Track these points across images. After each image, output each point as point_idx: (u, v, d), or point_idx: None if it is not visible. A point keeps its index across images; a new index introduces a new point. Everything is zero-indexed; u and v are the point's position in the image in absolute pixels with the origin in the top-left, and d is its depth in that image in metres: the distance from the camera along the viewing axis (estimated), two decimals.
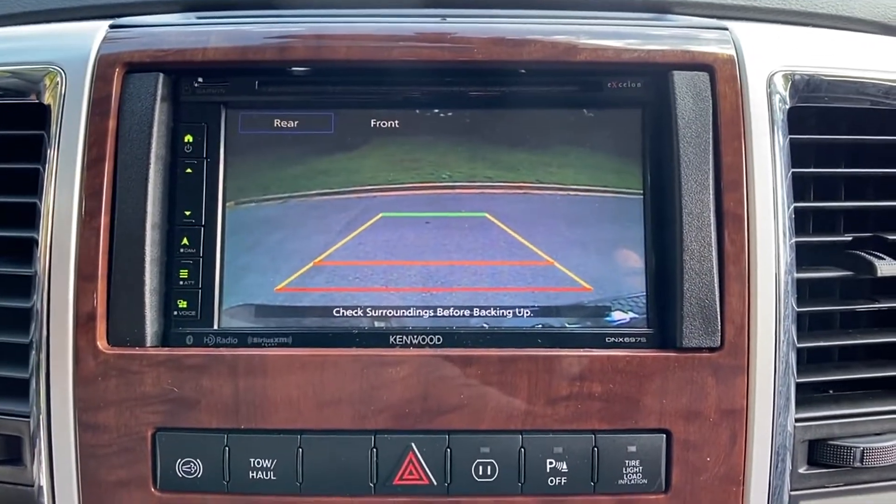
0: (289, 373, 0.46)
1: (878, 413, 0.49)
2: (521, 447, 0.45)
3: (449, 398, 0.45)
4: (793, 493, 0.48)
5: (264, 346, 0.47)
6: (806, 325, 0.51)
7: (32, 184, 0.49)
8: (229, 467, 0.45)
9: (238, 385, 0.45)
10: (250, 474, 0.45)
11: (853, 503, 0.49)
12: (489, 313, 0.48)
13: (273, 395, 0.45)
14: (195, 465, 0.46)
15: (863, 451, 0.48)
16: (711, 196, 0.47)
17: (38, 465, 0.47)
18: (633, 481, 0.46)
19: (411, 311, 0.48)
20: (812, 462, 0.49)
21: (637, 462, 0.46)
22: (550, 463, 0.46)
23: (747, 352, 0.46)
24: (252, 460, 0.45)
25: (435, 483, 0.46)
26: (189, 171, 0.49)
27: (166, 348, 0.47)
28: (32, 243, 0.48)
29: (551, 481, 0.46)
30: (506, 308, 0.48)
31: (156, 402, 0.46)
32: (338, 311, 0.48)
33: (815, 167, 0.51)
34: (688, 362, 0.46)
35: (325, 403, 0.45)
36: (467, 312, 0.48)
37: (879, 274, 0.48)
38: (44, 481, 0.47)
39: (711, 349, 0.46)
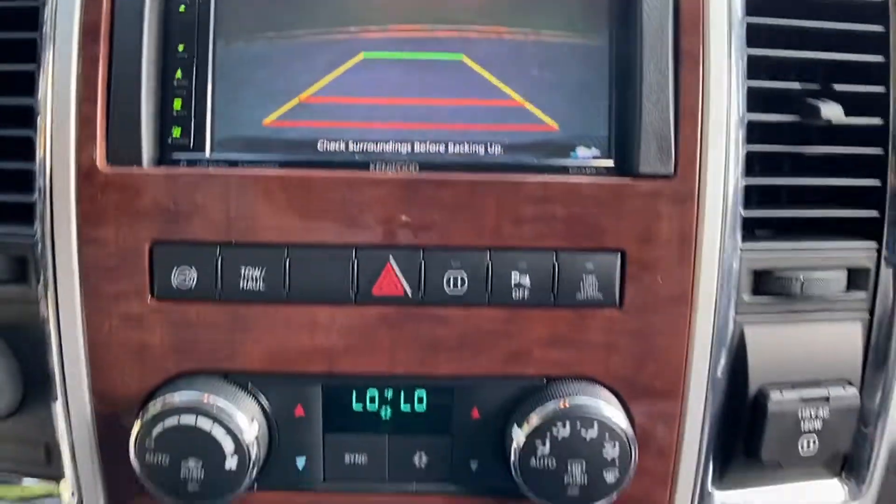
0: (277, 192, 0.49)
1: (818, 249, 0.54)
2: (489, 261, 0.50)
3: (424, 217, 0.49)
4: (738, 317, 0.53)
5: (254, 168, 0.51)
6: (756, 168, 0.55)
7: (33, 19, 0.52)
8: (221, 277, 0.49)
9: (230, 202, 0.49)
10: (241, 283, 0.50)
11: (793, 331, 0.55)
12: (463, 148, 0.52)
13: (262, 212, 0.49)
14: (189, 274, 0.50)
15: (803, 282, 0.53)
16: (670, 37, 0.51)
17: (42, 283, 0.51)
18: (589, 296, 0.50)
19: (391, 144, 0.52)
20: (757, 292, 0.54)
21: (594, 278, 0.50)
22: (514, 276, 0.50)
23: (698, 181, 0.50)
24: (243, 269, 0.49)
25: (410, 294, 0.50)
26: (182, 9, 0.52)
27: (163, 167, 0.51)
28: (33, 75, 0.51)
29: (515, 294, 0.50)
30: (478, 142, 0.52)
31: (153, 217, 0.49)
32: (322, 144, 0.52)
33: (770, 17, 0.54)
34: (643, 188, 0.50)
35: (311, 220, 0.49)
36: (443, 147, 0.52)
37: (823, 116, 0.52)
38: (49, 298, 0.51)
39: (665, 177, 0.50)
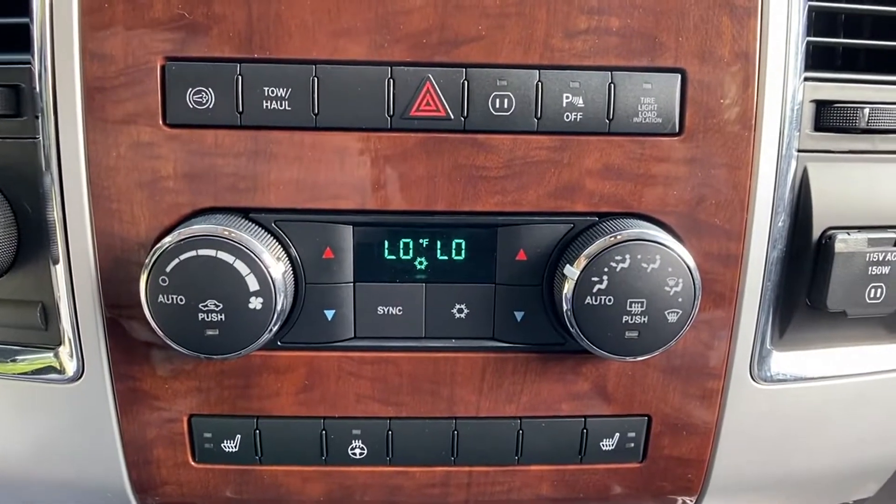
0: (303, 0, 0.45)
1: (887, 81, 0.50)
2: (539, 81, 0.45)
3: (467, 29, 0.44)
4: (800, 153, 0.49)
5: None
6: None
7: None
8: (242, 98, 0.44)
9: (251, 10, 0.44)
10: (264, 105, 0.44)
11: (859, 172, 0.51)
12: None
13: (287, 22, 0.44)
14: (207, 95, 0.44)
15: (869, 113, 0.49)
16: None
17: (41, 113, 0.45)
18: (648, 120, 0.46)
19: None
20: (819, 128, 0.50)
21: (652, 100, 0.46)
22: (567, 97, 0.45)
23: None
24: (266, 89, 0.44)
25: (451, 116, 0.45)
26: None
27: None
28: None
29: (567, 117, 0.45)
30: None
31: (165, 30, 0.44)
32: None
33: None
34: (704, 0, 0.46)
35: (341, 32, 0.44)
36: None
37: None
38: (48, 129, 0.45)
39: None
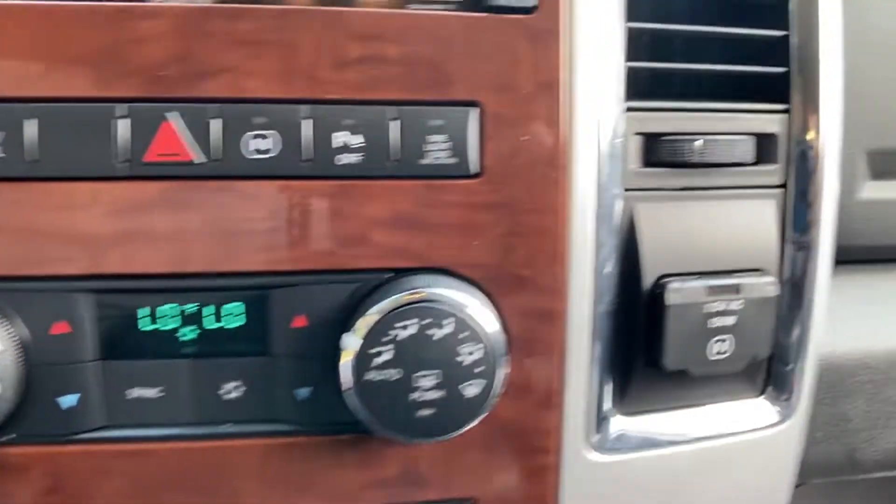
0: (13, 28, 0.36)
1: (719, 110, 0.45)
2: (306, 118, 0.38)
3: (217, 59, 0.37)
4: (628, 192, 0.44)
5: None
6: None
7: None
8: None
9: None
10: None
11: (694, 211, 0.45)
12: None
13: None
14: None
15: (703, 145, 0.44)
16: None
17: None
18: (439, 160, 0.40)
19: None
20: (649, 163, 0.45)
21: (444, 138, 0.39)
22: (340, 137, 0.39)
23: (565, 16, 0.41)
24: None
25: (199, 160, 0.38)
26: None
27: None
28: None
29: (341, 159, 0.39)
30: None
31: None
32: None
33: None
34: (499, 24, 0.39)
35: (61, 64, 0.36)
36: None
37: None
38: None
39: (525, 9, 0.40)
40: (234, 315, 0.40)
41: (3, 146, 0.37)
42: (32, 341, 0.38)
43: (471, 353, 0.38)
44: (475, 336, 0.38)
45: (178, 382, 0.40)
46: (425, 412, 0.38)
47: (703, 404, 0.47)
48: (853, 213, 0.58)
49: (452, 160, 0.40)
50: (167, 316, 0.40)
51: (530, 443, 0.44)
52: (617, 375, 0.45)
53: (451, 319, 0.38)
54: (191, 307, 0.40)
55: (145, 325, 0.40)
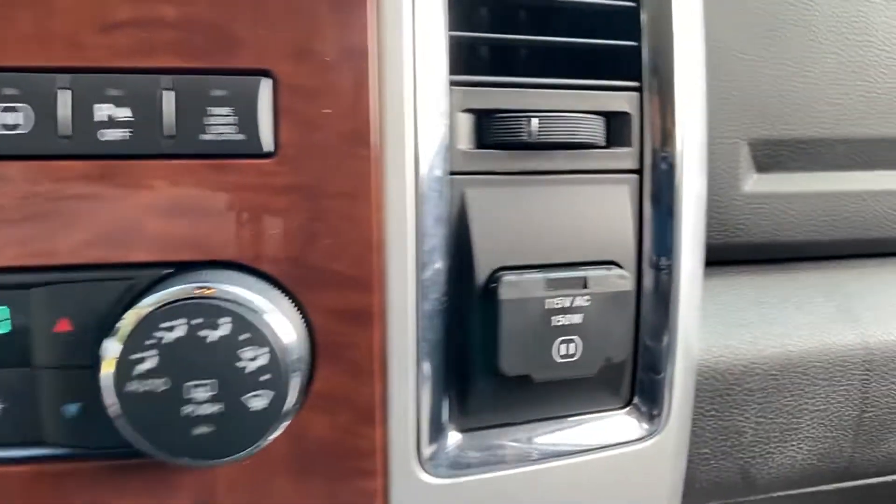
0: None
1: (562, 86, 0.41)
2: (63, 87, 0.33)
3: None
4: (455, 175, 0.39)
5: None
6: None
7: None
8: None
9: None
10: None
11: (536, 198, 0.41)
12: None
13: None
14: None
15: (539, 123, 0.40)
16: None
17: None
18: (225, 136, 0.35)
19: None
20: (481, 145, 0.40)
21: (229, 111, 0.34)
22: (103, 109, 0.34)
23: None
24: None
25: None
26: None
27: None
28: None
29: (104, 134, 0.34)
30: None
31: None
32: None
33: None
34: None
35: None
36: None
37: None
38: None
39: None
40: None
41: None
42: None
43: (254, 359, 0.33)
44: (259, 338, 0.33)
45: None
46: (202, 429, 0.33)
47: (557, 417, 0.42)
48: (738, 207, 0.55)
49: (240, 136, 0.34)
50: None
51: (351, 465, 0.38)
52: (454, 384, 0.40)
53: (228, 319, 0.32)
54: None
55: None
